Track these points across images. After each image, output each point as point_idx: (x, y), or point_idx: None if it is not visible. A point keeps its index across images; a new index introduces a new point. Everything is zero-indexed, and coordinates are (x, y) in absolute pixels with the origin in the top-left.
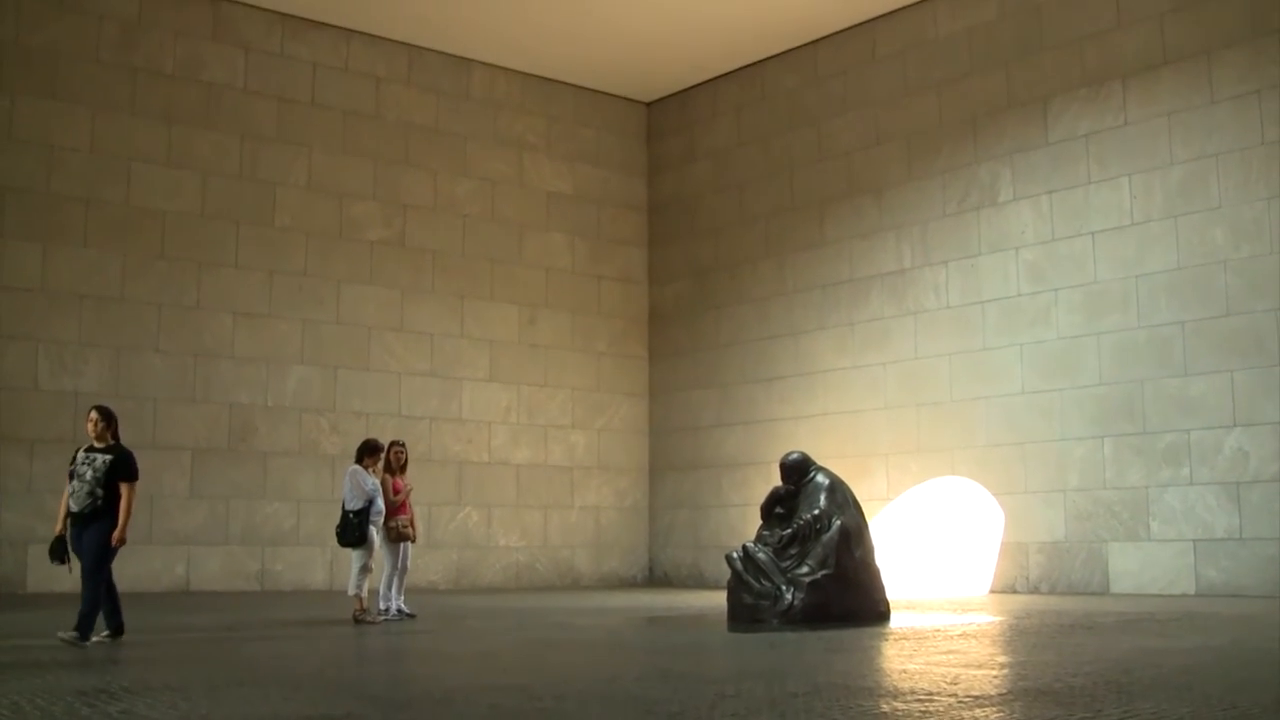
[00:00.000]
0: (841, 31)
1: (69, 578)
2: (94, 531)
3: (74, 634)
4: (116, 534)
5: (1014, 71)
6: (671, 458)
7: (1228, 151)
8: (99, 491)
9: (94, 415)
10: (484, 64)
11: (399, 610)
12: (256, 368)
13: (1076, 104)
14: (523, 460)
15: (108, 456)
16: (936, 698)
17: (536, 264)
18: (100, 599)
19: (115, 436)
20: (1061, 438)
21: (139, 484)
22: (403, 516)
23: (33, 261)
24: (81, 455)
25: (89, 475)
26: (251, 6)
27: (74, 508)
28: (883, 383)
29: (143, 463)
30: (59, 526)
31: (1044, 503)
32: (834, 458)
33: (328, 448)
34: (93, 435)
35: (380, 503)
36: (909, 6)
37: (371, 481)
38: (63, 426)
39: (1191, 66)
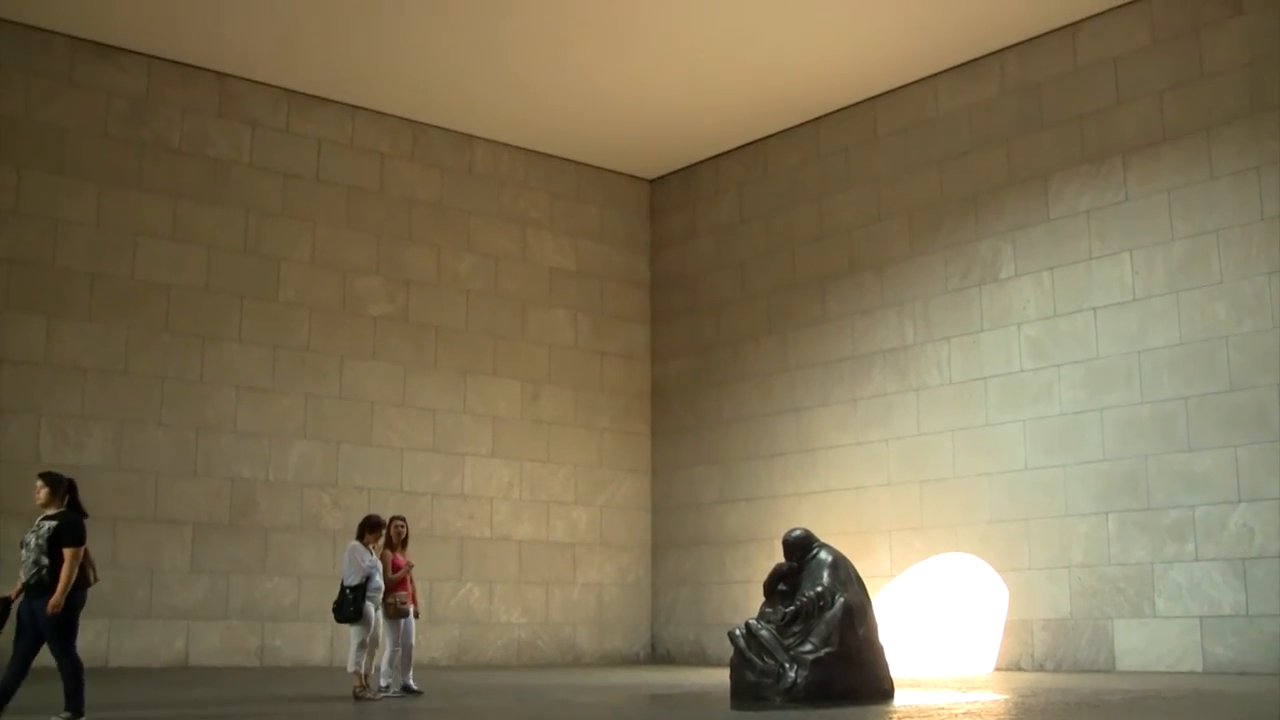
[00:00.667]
0: (843, 109)
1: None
2: (44, 605)
3: (67, 715)
4: (52, 601)
5: (1015, 148)
6: (674, 534)
7: (1228, 227)
8: (44, 560)
9: (38, 483)
10: (487, 140)
11: (404, 687)
12: (258, 442)
13: (1077, 180)
14: (525, 536)
15: (53, 523)
16: None
17: (539, 340)
18: (79, 669)
19: (70, 503)
20: (1065, 514)
21: (85, 548)
22: (402, 593)
23: (37, 334)
24: (35, 525)
25: (33, 543)
26: (258, 83)
27: (23, 578)
28: (885, 459)
29: (143, 537)
30: (13, 593)
31: (1048, 579)
32: (837, 534)
33: (329, 523)
34: (40, 504)
35: (379, 579)
36: (910, 85)
37: (370, 558)
38: None
39: (1191, 143)
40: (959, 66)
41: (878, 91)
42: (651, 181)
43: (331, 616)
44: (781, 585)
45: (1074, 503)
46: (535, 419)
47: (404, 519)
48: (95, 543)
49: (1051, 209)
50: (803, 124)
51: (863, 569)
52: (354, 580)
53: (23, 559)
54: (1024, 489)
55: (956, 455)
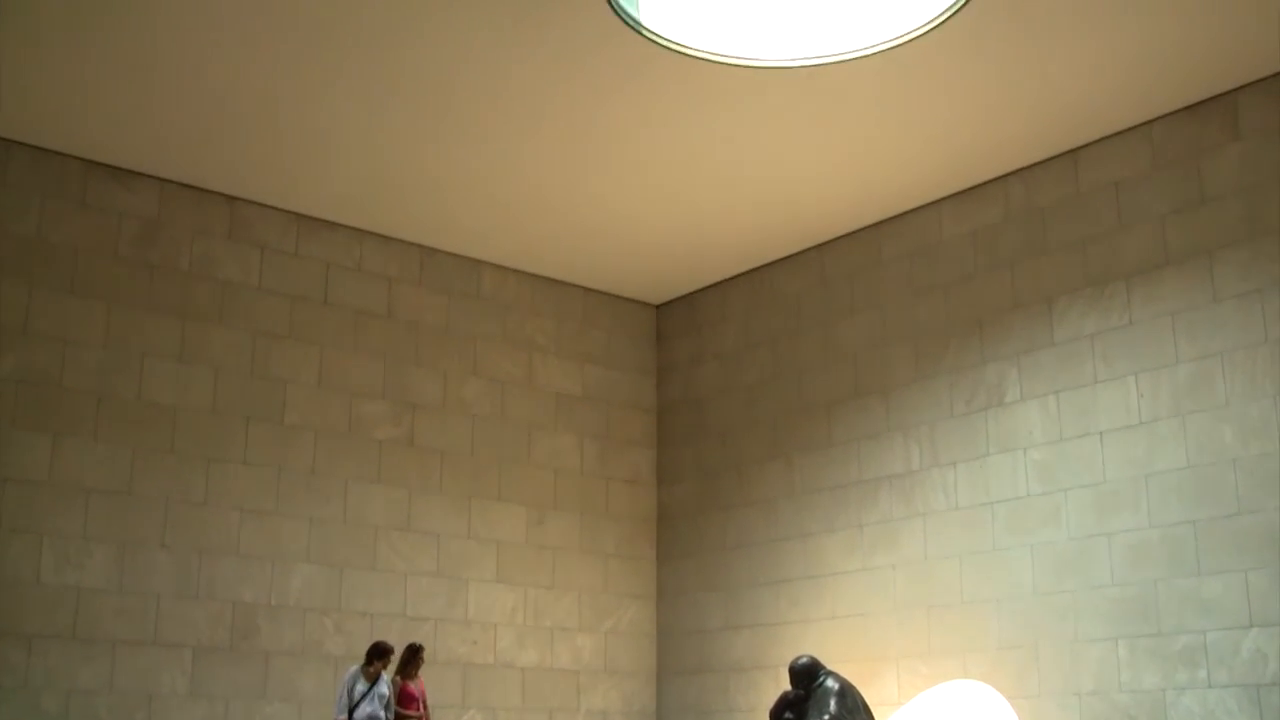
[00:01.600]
0: (848, 235)
1: None
2: None
3: None
4: None
5: (1019, 272)
6: (679, 661)
7: (1233, 350)
8: None
9: None
10: (495, 265)
11: None
12: (261, 565)
13: (1081, 304)
14: (529, 663)
15: None
16: None
17: (545, 465)
18: None
19: None
20: (1075, 639)
21: None
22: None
23: (41, 454)
24: None
25: None
26: (267, 207)
27: None
28: (892, 585)
29: (142, 661)
30: None
31: (1058, 706)
32: (843, 661)
33: (331, 648)
34: None
35: (371, 709)
36: (914, 210)
37: (364, 686)
38: (63, 622)
39: (1193, 266)
40: (963, 192)
41: (882, 217)
42: (658, 307)
43: None
44: (788, 714)
45: (1084, 628)
46: (540, 544)
47: (421, 645)
48: (92, 667)
49: (1056, 333)
50: (808, 249)
51: (870, 696)
52: (340, 714)
53: None
54: (1033, 614)
55: (964, 580)
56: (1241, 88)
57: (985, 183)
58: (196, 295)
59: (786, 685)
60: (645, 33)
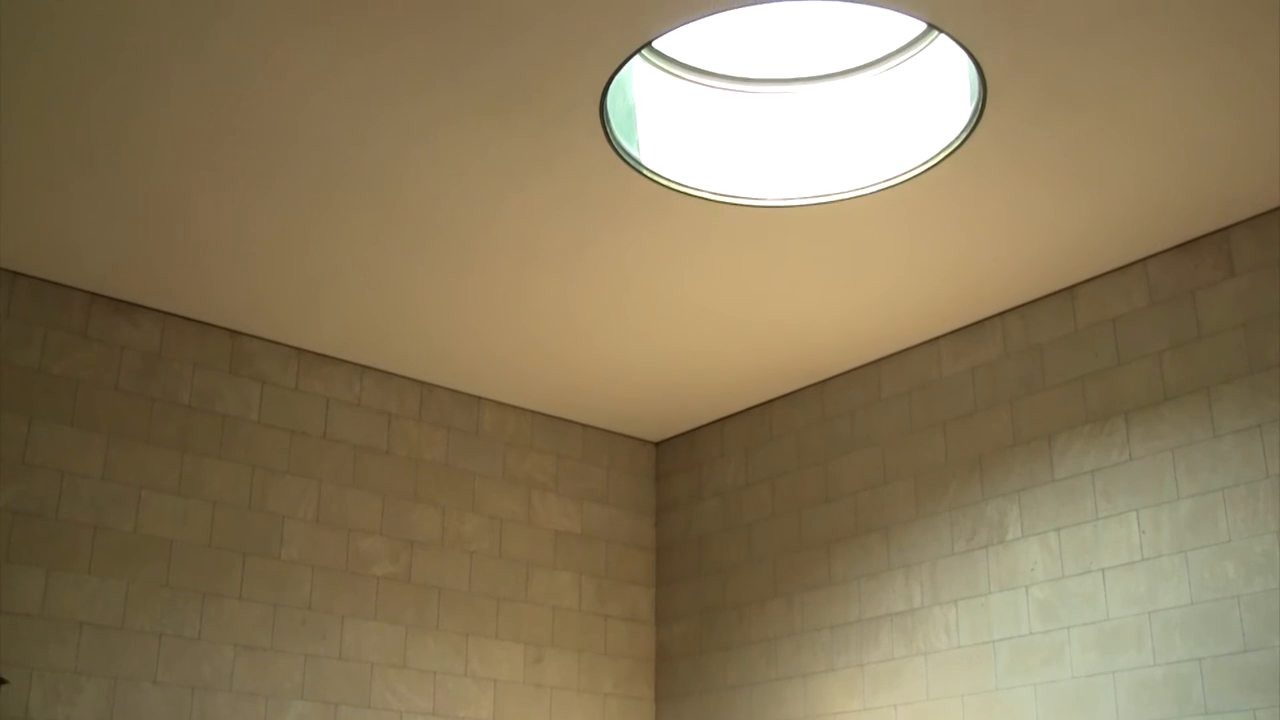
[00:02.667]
0: (848, 372)
1: None
2: None
3: None
4: None
5: (1018, 409)
6: None
7: (1234, 485)
8: None
9: None
10: (494, 401)
11: None
12: (255, 702)
13: (1081, 440)
14: None
15: None
16: None
17: (543, 602)
18: None
19: None
20: None
21: None
22: None
23: (34, 587)
24: None
25: None
26: (269, 341)
27: None
28: None
29: None
30: None
31: None
32: None
33: None
34: None
35: None
36: (914, 347)
37: None
38: None
39: (1192, 402)
40: (962, 329)
41: (882, 354)
42: (657, 444)
43: None
44: None
45: None
46: (537, 683)
47: None
48: None
49: (1056, 469)
50: (808, 386)
51: None
52: None
53: None
54: None
55: None
56: (1235, 225)
57: (984, 320)
58: (196, 428)
59: None
60: (645, 171)
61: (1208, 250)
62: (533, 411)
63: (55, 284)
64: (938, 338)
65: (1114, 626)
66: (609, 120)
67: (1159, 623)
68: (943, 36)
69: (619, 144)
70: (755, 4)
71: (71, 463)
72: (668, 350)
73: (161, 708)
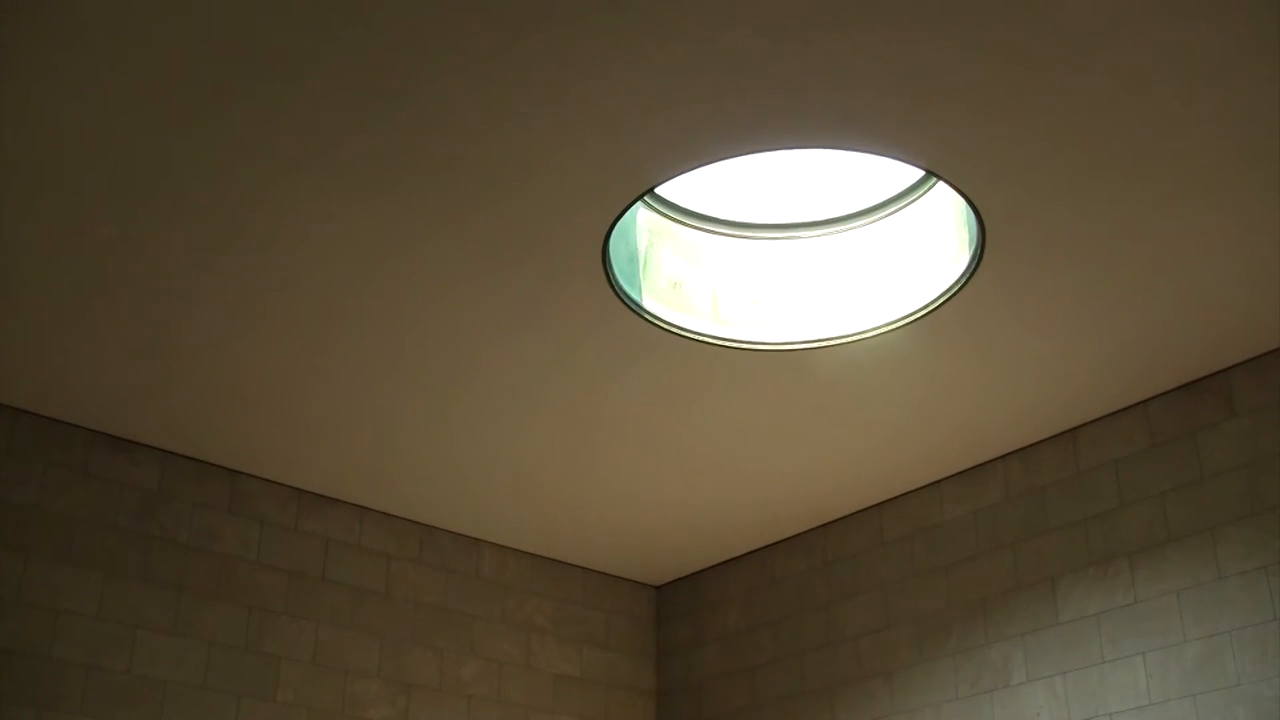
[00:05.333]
0: (849, 516)
1: None
2: None
3: None
4: None
5: (1020, 552)
6: None
7: (1241, 628)
8: None
9: None
10: (494, 544)
11: None
12: None
13: (1085, 583)
14: None
15: None
16: None
17: None
18: None
19: None
20: None
21: None
22: None
23: None
24: None
25: None
26: (269, 481)
27: None
28: None
29: None
30: None
31: None
32: None
33: None
34: None
35: None
36: (915, 491)
37: None
38: None
39: (1196, 543)
40: (964, 472)
41: (884, 498)
42: (658, 588)
43: None
44: None
45: None
46: None
47: None
48: None
49: (1061, 613)
50: (809, 530)
51: None
52: None
53: None
54: None
55: None
56: (1235, 366)
57: (985, 463)
58: (193, 568)
59: None
60: (646, 315)
61: (1208, 391)
62: (533, 554)
63: (56, 421)
64: (939, 481)
65: None
66: (611, 265)
67: None
68: (941, 183)
69: (621, 289)
70: (756, 152)
71: (66, 601)
72: (668, 494)
73: None
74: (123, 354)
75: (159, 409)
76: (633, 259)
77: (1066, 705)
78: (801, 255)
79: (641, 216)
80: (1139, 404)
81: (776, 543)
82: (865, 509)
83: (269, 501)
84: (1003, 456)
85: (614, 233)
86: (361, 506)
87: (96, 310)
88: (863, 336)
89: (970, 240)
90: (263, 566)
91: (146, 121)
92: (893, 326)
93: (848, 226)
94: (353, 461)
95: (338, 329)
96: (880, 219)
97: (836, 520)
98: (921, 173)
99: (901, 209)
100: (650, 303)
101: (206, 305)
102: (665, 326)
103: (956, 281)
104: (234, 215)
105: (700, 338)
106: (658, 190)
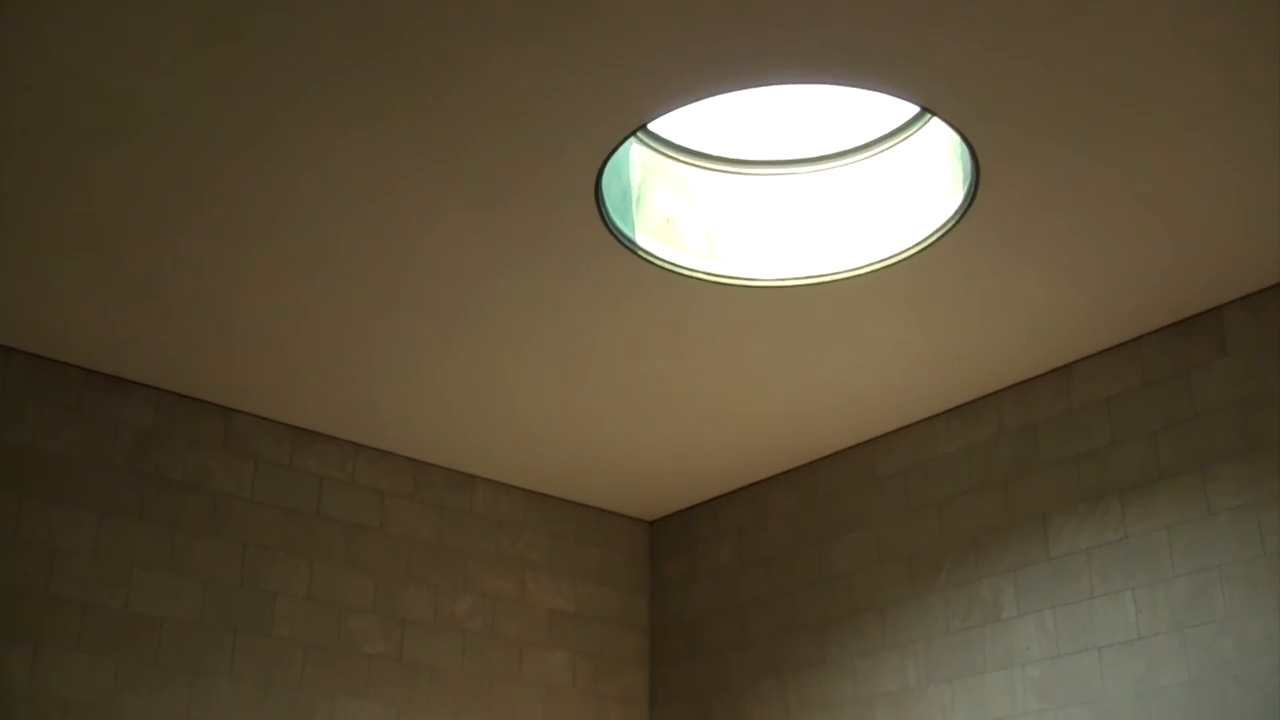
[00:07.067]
0: (841, 452)
1: None
2: None
3: None
4: None
5: (1012, 489)
6: None
7: (1230, 564)
8: None
9: None
10: (488, 480)
11: None
12: None
13: (1075, 519)
14: None
15: None
16: None
17: (536, 682)
18: None
19: None
20: None
21: None
22: None
23: (22, 665)
24: None
25: None
26: (263, 419)
27: None
28: None
29: None
30: None
31: None
32: None
33: None
34: None
35: None
36: (907, 427)
37: None
38: None
39: (1187, 480)
40: (956, 409)
41: (876, 434)
42: (651, 523)
43: None
44: None
45: None
46: None
47: None
48: None
49: (1051, 548)
50: (801, 466)
51: None
52: None
53: None
54: None
55: None
56: (1227, 304)
57: (978, 399)
58: (188, 506)
59: None
60: (639, 252)
61: (1201, 330)
62: (526, 490)
63: (49, 360)
64: (932, 417)
65: (1110, 706)
66: (604, 202)
67: (1156, 702)
68: (936, 120)
69: (614, 225)
70: (750, 87)
71: (62, 540)
72: (662, 430)
73: None
74: (116, 292)
75: (153, 347)
76: (626, 196)
77: (1056, 639)
78: (795, 192)
79: (635, 153)
80: (1132, 341)
81: (769, 478)
82: (858, 445)
83: (263, 439)
84: (996, 393)
85: (607, 169)
86: (356, 443)
87: (89, 248)
88: (856, 273)
89: (964, 177)
90: (257, 504)
91: (138, 58)
92: (886, 263)
93: (842, 163)
94: (347, 398)
95: (331, 266)
96: (874, 155)
97: (829, 456)
98: (916, 109)
99: (896, 146)
100: (643, 239)
101: (200, 242)
102: (658, 263)
103: (950, 219)
104: (226, 152)
105: (693, 274)
106: (651, 126)
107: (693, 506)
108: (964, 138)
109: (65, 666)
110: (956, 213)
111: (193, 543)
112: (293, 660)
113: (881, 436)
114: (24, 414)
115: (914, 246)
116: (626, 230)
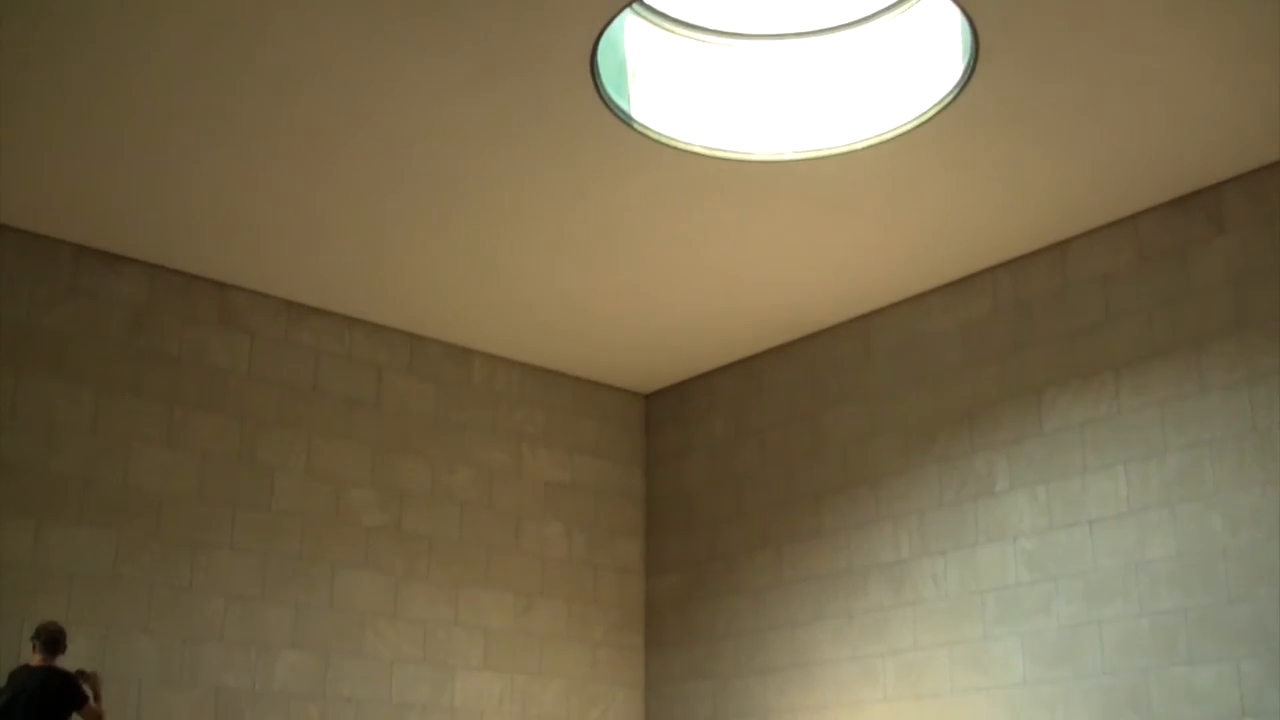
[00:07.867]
0: (837, 326)
1: None
2: None
3: None
4: None
5: (1007, 364)
6: None
7: (1221, 439)
8: None
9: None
10: (484, 354)
11: None
12: (246, 651)
13: (1069, 394)
14: None
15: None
16: None
17: (533, 553)
18: None
19: None
20: None
21: None
22: None
23: (24, 539)
24: None
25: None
26: (258, 293)
27: None
28: (881, 674)
29: None
30: None
31: None
32: None
33: None
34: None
35: None
36: (903, 302)
37: None
38: None
39: (1181, 357)
40: (951, 284)
41: (871, 309)
42: (647, 396)
43: None
44: None
45: (1074, 717)
46: (527, 631)
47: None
48: None
49: (1045, 423)
50: (796, 340)
51: None
52: None
53: None
54: (1022, 704)
55: (953, 670)
56: (1225, 182)
57: (973, 275)
58: (185, 382)
59: None
60: (634, 125)
61: (1199, 207)
62: (522, 364)
63: (43, 237)
64: (927, 292)
65: (1100, 578)
66: (599, 74)
67: (1145, 574)
68: None
69: (609, 98)
70: None
71: (60, 415)
72: (657, 303)
73: (153, 657)
74: (109, 166)
75: (146, 222)
76: (622, 70)
77: (1048, 512)
78: (793, 65)
79: (631, 25)
80: (1129, 218)
81: (764, 352)
82: (853, 319)
83: (259, 314)
84: (991, 269)
85: (602, 42)
86: (351, 317)
87: (81, 124)
88: (853, 148)
89: (964, 51)
90: (254, 379)
91: None
92: (884, 137)
93: (840, 37)
94: (342, 272)
95: (325, 140)
96: (873, 29)
97: (824, 330)
98: None
99: (895, 19)
100: (639, 113)
101: (193, 117)
102: (654, 137)
103: (949, 93)
104: (223, 26)
105: (689, 147)
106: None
107: (688, 380)
108: (963, 10)
109: (67, 540)
110: (955, 87)
111: (190, 418)
112: (292, 532)
113: (876, 311)
114: (18, 291)
115: (912, 121)
116: (622, 104)
